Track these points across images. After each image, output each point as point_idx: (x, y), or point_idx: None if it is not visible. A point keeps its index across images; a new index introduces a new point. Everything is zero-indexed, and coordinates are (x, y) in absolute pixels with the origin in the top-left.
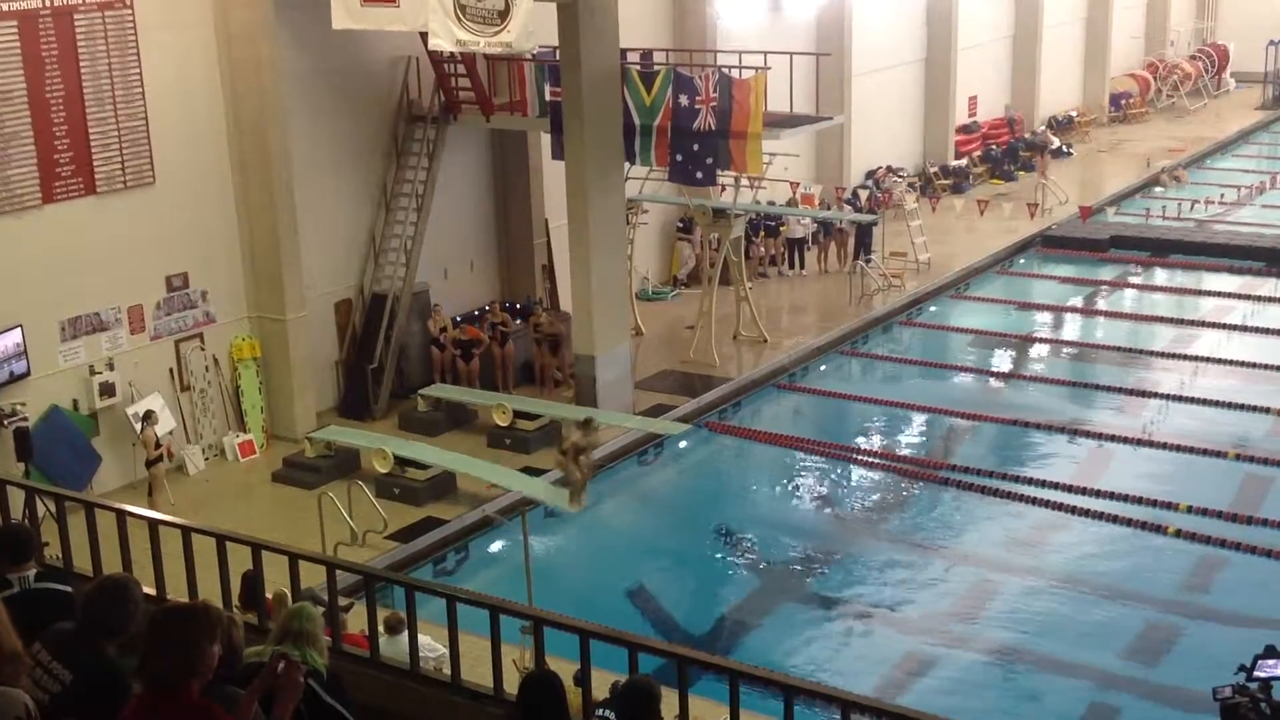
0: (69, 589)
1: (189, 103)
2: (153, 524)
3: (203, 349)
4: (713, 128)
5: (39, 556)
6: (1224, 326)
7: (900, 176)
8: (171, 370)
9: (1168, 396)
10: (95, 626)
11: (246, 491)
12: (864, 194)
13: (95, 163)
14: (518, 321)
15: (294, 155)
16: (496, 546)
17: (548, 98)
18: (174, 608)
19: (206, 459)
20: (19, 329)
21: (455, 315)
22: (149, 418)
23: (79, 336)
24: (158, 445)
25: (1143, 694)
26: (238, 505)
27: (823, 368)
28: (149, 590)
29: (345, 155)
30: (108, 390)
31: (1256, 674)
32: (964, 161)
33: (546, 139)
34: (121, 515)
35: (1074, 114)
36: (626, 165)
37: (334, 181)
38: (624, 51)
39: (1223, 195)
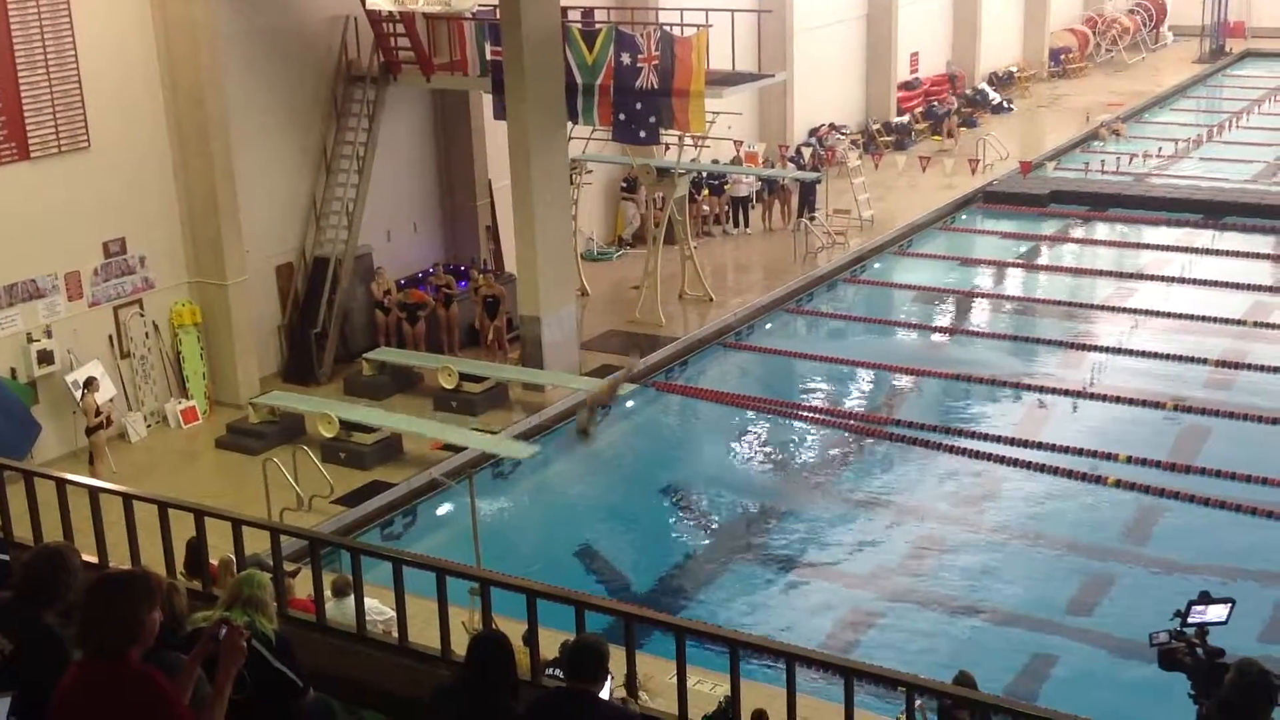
0: (6, 558)
1: (123, 65)
2: (93, 492)
3: (142, 315)
4: (655, 86)
5: None
6: (1163, 279)
7: (843, 134)
8: (111, 337)
9: (1108, 349)
10: (33, 595)
11: (190, 458)
12: (807, 151)
13: (28, 127)
14: (462, 284)
15: (231, 117)
16: (444, 509)
17: (489, 57)
18: (113, 575)
19: (148, 426)
20: None
21: (399, 278)
22: (90, 385)
23: (15, 304)
24: (98, 413)
25: (1083, 641)
26: (181, 472)
27: (768, 326)
28: (90, 559)
29: (284, 117)
30: (46, 358)
31: (1190, 619)
32: (906, 118)
33: (488, 99)
34: (61, 484)
35: (1014, 69)
36: (569, 125)
37: (273, 143)
38: (565, 10)
39: (1161, 149)
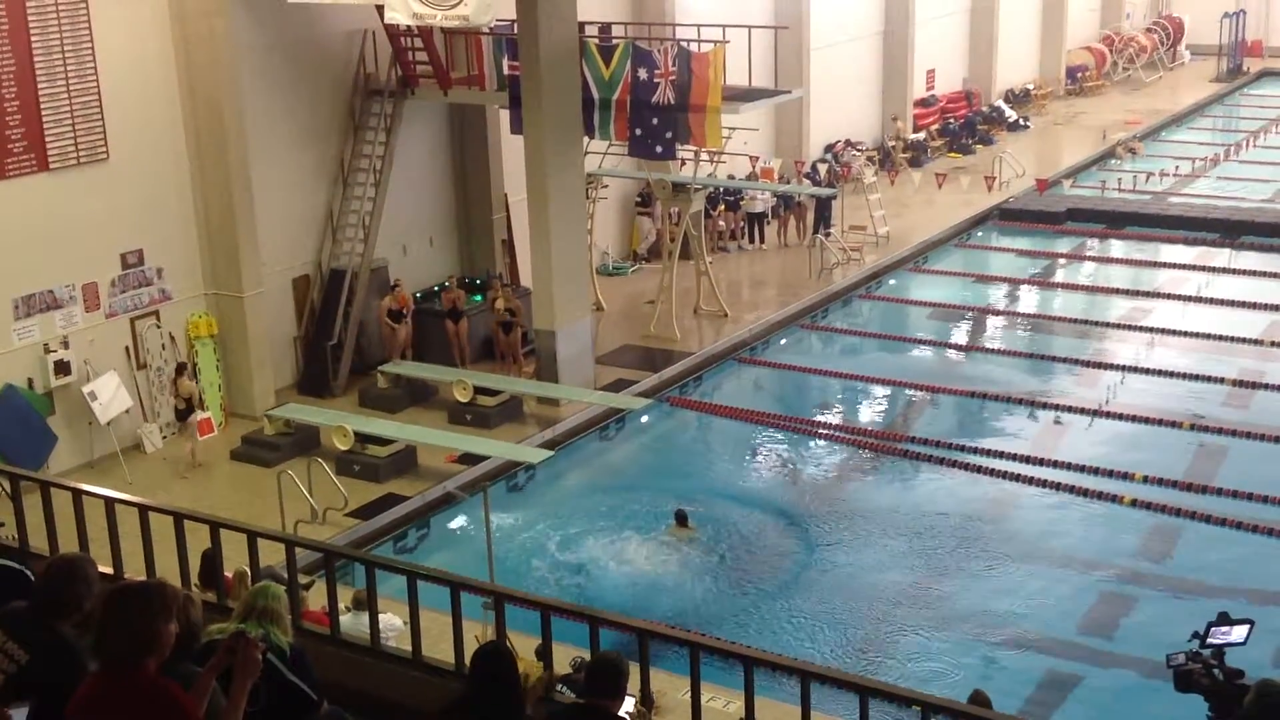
0: (23, 567)
1: (143, 78)
2: (109, 502)
3: (159, 326)
4: (672, 101)
5: None
6: (1179, 298)
7: (859, 150)
8: (127, 348)
9: (1124, 368)
10: (49, 606)
11: (205, 470)
12: (823, 168)
13: (48, 139)
14: (477, 298)
15: (250, 130)
16: (458, 523)
17: (506, 72)
18: (130, 586)
19: (164, 437)
20: None
21: (415, 291)
22: (181, 370)
23: (33, 314)
24: (189, 397)
25: (1099, 662)
26: (196, 484)
27: (783, 341)
28: (106, 569)
29: (302, 130)
30: (63, 369)
31: (1210, 641)
32: (922, 135)
33: (505, 113)
34: (77, 494)
35: (1031, 87)
36: (586, 139)
37: (291, 157)
38: (582, 25)
39: (1178, 167)
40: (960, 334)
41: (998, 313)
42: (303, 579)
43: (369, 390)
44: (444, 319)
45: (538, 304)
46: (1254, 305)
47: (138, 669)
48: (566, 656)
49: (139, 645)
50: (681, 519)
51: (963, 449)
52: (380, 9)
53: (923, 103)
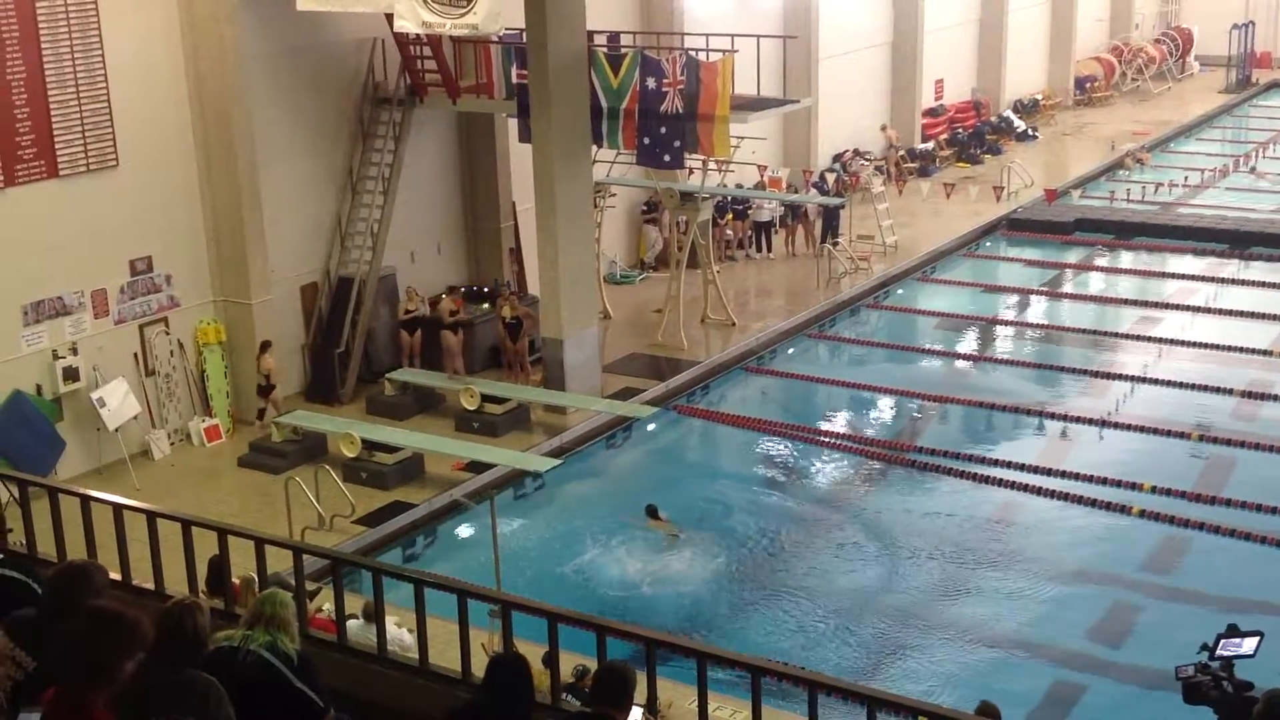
0: (29, 580)
1: (152, 85)
2: (117, 509)
3: (167, 333)
4: (680, 110)
5: (2, 542)
6: (1188, 308)
7: (867, 159)
8: (136, 355)
9: (1132, 378)
10: (58, 613)
11: (212, 476)
12: (831, 177)
13: (57, 146)
14: (484, 305)
15: (258, 138)
16: (465, 530)
17: (514, 80)
18: (105, 613)
19: (172, 444)
20: None
21: (422, 299)
22: (265, 348)
23: (42, 321)
24: (268, 373)
25: (1106, 673)
26: (204, 490)
27: (790, 351)
28: (114, 576)
29: (310, 138)
30: (71, 375)
31: (1219, 653)
32: (931, 145)
33: (513, 122)
34: (86, 500)
35: (1039, 97)
36: (594, 148)
37: (299, 164)
38: (591, 34)
39: (1186, 178)
40: (968, 344)
41: (1006, 323)
42: (309, 586)
43: (376, 397)
44: (443, 330)
45: (545, 312)
46: (1262, 316)
47: (85, 698)
48: (573, 665)
49: (93, 674)
50: (652, 513)
51: (970, 459)
52: (389, 17)
53: (931, 112)
